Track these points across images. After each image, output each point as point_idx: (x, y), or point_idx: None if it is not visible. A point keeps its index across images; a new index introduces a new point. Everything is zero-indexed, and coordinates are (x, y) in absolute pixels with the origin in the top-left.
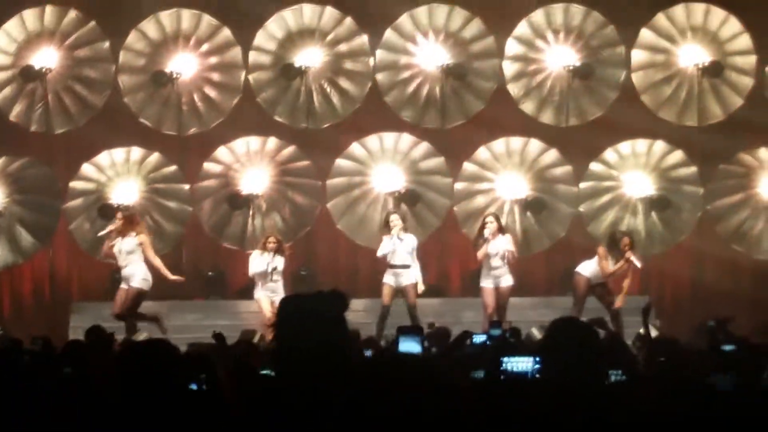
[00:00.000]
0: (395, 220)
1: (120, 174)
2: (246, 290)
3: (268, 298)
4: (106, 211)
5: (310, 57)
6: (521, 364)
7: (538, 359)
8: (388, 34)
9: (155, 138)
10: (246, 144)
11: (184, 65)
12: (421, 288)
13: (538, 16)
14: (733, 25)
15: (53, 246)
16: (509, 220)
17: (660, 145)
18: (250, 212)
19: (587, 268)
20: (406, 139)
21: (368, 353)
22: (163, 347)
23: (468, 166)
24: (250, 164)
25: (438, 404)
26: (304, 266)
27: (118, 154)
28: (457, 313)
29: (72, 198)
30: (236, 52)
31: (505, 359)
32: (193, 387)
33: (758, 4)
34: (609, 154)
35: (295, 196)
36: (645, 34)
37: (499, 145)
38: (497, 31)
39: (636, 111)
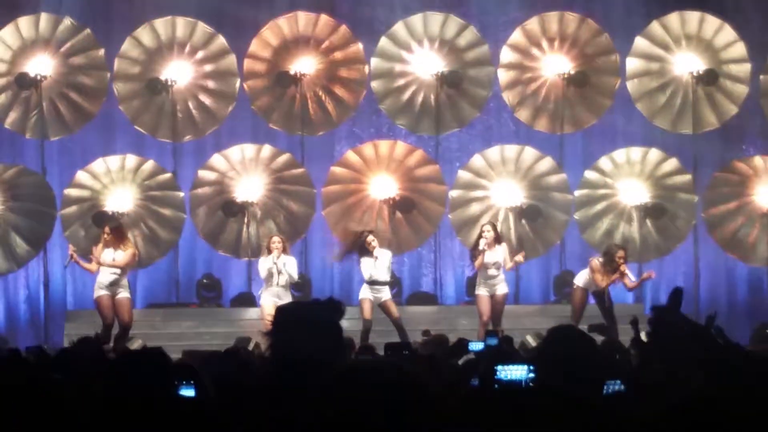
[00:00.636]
0: (373, 241)
1: (115, 181)
2: (241, 297)
3: (273, 303)
4: (101, 219)
5: (305, 65)
6: (515, 372)
7: (532, 367)
8: (383, 42)
9: (150, 145)
10: (241, 151)
11: (179, 73)
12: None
13: (532, 24)
14: (728, 33)
15: (48, 253)
16: (504, 228)
17: (655, 153)
18: (245, 220)
19: (581, 279)
20: (401, 146)
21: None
22: (157, 355)
23: (463, 174)
24: (245, 172)
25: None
26: (299, 274)
27: (113, 161)
28: (452, 320)
29: (67, 205)
30: (231, 59)
31: (499, 367)
32: (187, 393)
33: (753, 13)
34: (604, 161)
35: (290, 204)
36: (640, 43)
37: (493, 152)
38: (491, 39)
39: (631, 119)
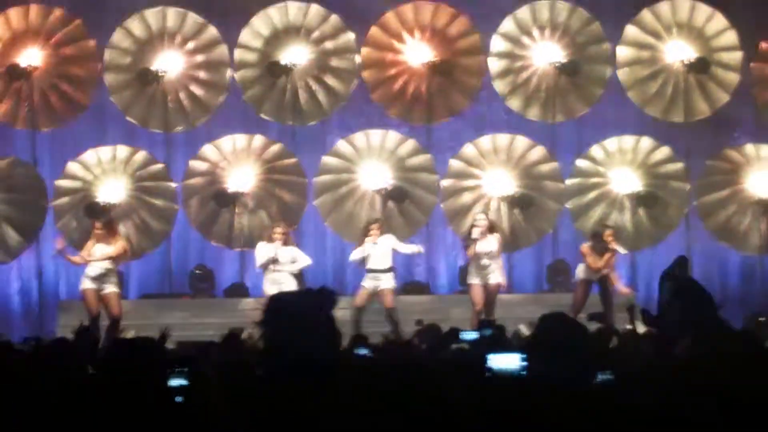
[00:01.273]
0: (375, 228)
1: (106, 172)
2: (234, 288)
3: (277, 291)
4: (93, 210)
5: (296, 54)
6: (507, 360)
7: (524, 356)
8: (374, 31)
9: (141, 136)
10: (232, 142)
11: (169, 63)
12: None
13: (523, 12)
14: (719, 21)
15: (40, 245)
16: (496, 217)
17: (646, 142)
18: (237, 210)
19: (582, 270)
20: (393, 136)
21: (363, 351)
22: (149, 344)
23: (454, 163)
24: (237, 162)
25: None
26: None
27: (104, 152)
28: (445, 310)
29: (58, 196)
30: (222, 50)
31: (490, 356)
32: (179, 383)
33: (744, 0)
34: (596, 150)
35: (282, 194)
36: (631, 31)
37: (485, 141)
38: (483, 27)
39: (622, 107)
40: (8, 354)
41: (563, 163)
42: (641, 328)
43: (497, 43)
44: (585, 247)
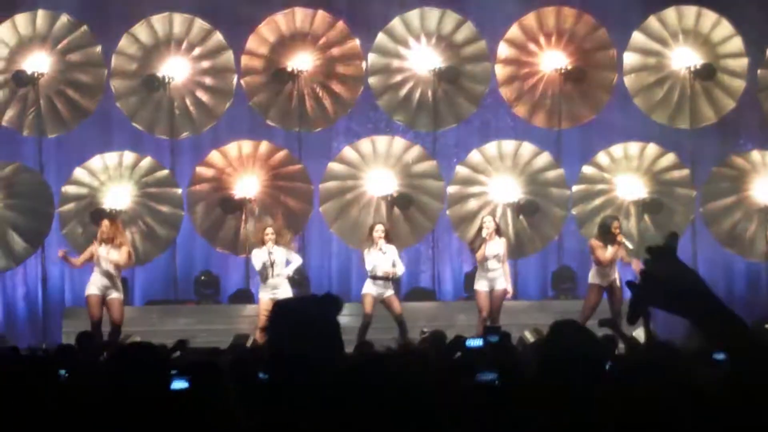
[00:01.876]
0: (380, 231)
1: (112, 178)
2: (239, 294)
3: (270, 298)
4: (99, 216)
5: (303, 61)
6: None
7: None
8: (380, 38)
9: (148, 142)
10: (238, 148)
11: (176, 69)
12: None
13: (530, 19)
14: (725, 27)
15: (46, 251)
16: (502, 224)
17: (652, 148)
18: (243, 216)
19: (593, 275)
20: (399, 142)
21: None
22: (152, 350)
23: (460, 170)
24: (243, 168)
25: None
26: (296, 271)
27: (110, 158)
28: (450, 316)
29: (64, 203)
30: (228, 56)
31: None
32: (181, 386)
33: (750, 7)
34: (601, 157)
35: (287, 200)
36: (637, 37)
37: (491, 148)
38: (489, 34)
39: (628, 114)
40: (14, 360)
41: (569, 169)
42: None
43: (503, 50)
44: (594, 241)
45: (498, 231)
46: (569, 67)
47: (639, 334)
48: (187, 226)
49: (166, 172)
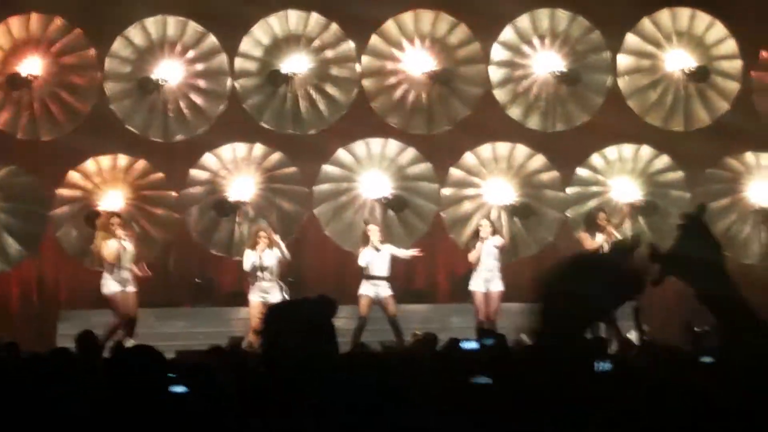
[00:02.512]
0: (374, 230)
1: (107, 181)
2: (234, 297)
3: (260, 301)
4: (93, 219)
5: (297, 63)
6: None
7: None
8: (374, 40)
9: (142, 145)
10: (232, 150)
11: (170, 72)
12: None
13: (523, 21)
14: (719, 29)
15: (40, 254)
16: (497, 226)
17: (646, 150)
18: (237, 219)
19: None
20: (393, 145)
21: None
22: (151, 353)
23: (454, 172)
24: (237, 171)
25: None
26: (292, 273)
27: (104, 161)
28: (444, 318)
29: (59, 205)
30: (222, 58)
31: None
32: (180, 390)
33: (744, 9)
34: (596, 159)
35: (282, 203)
36: (631, 39)
37: (485, 150)
38: (483, 36)
39: (622, 116)
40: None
41: (563, 172)
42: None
43: (497, 52)
44: (582, 233)
45: (494, 232)
46: (563, 70)
47: (633, 335)
48: (182, 229)
49: (160, 174)
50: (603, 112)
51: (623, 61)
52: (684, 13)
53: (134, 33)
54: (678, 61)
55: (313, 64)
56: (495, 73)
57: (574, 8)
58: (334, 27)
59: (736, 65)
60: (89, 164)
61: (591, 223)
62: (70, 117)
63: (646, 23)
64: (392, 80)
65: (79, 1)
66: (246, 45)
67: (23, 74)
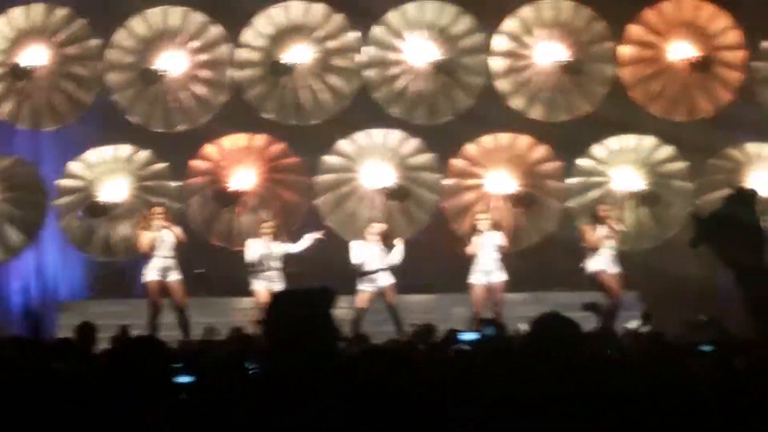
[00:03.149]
0: (377, 228)
1: (108, 171)
2: (234, 287)
3: (266, 289)
4: (95, 209)
5: (299, 54)
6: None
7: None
8: (377, 30)
9: (144, 135)
10: (234, 141)
11: (172, 62)
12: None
13: (526, 11)
14: (722, 20)
15: (41, 244)
16: (499, 216)
17: (649, 141)
18: (238, 209)
19: (597, 263)
20: (395, 135)
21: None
22: (153, 342)
23: (456, 162)
24: (238, 161)
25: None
26: (293, 263)
27: (106, 151)
28: (445, 309)
29: (60, 196)
30: (224, 49)
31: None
32: (184, 380)
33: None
34: (597, 149)
35: (283, 193)
36: (634, 30)
37: (487, 140)
38: (486, 26)
39: (625, 106)
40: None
41: (565, 162)
42: (644, 328)
43: (499, 42)
44: (583, 226)
45: (493, 224)
46: (566, 60)
47: (633, 325)
48: (183, 219)
49: (162, 165)
50: (605, 102)
51: (626, 51)
52: (687, 3)
53: (136, 23)
54: (681, 51)
55: (315, 55)
56: (497, 64)
57: None
58: (337, 17)
59: (739, 56)
60: (91, 154)
61: (591, 215)
62: (72, 107)
63: (649, 13)
64: (394, 70)
65: None
66: (248, 35)
67: (26, 65)
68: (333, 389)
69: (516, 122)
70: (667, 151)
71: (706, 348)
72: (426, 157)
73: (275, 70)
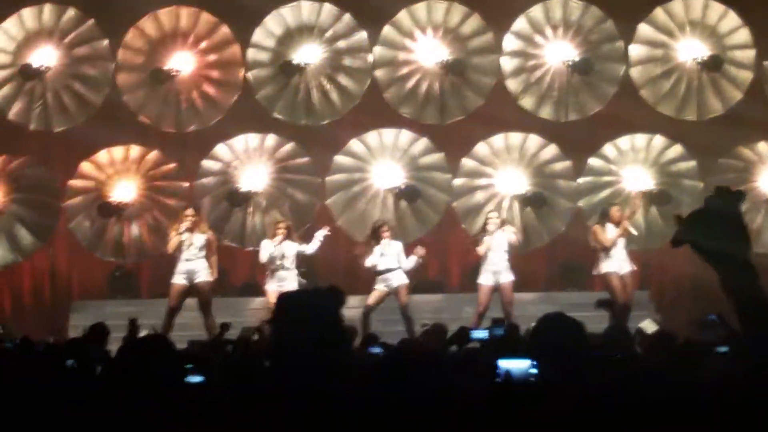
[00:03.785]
0: (386, 229)
1: (119, 172)
2: (247, 287)
3: (277, 291)
4: (106, 210)
5: (309, 54)
6: (518, 365)
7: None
8: (387, 30)
9: (154, 136)
10: (245, 141)
11: (182, 63)
12: None
13: (536, 11)
14: (732, 19)
15: (53, 245)
16: (509, 216)
17: (659, 140)
18: (250, 209)
19: (609, 265)
20: (406, 135)
21: (376, 350)
22: (162, 343)
23: (467, 162)
24: (249, 161)
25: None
26: (304, 263)
27: (117, 152)
28: (456, 309)
29: (71, 196)
30: (235, 49)
31: (502, 362)
32: (195, 380)
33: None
34: (608, 149)
35: (294, 193)
36: (643, 29)
37: (498, 140)
38: (496, 26)
39: (635, 106)
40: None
41: (576, 161)
42: (654, 327)
43: (510, 42)
44: (596, 226)
45: (503, 223)
46: (576, 59)
47: (646, 325)
48: None
49: (172, 165)
50: (616, 101)
51: (636, 50)
52: (697, 2)
53: (147, 24)
54: (691, 50)
55: (325, 55)
56: (507, 63)
57: None
58: (347, 17)
59: (750, 54)
60: (102, 155)
61: (603, 216)
62: (82, 108)
63: (659, 13)
64: (405, 70)
65: None
66: (259, 35)
67: (36, 65)
68: (342, 390)
69: (526, 122)
70: (677, 150)
71: (722, 349)
72: (437, 157)
73: (286, 70)
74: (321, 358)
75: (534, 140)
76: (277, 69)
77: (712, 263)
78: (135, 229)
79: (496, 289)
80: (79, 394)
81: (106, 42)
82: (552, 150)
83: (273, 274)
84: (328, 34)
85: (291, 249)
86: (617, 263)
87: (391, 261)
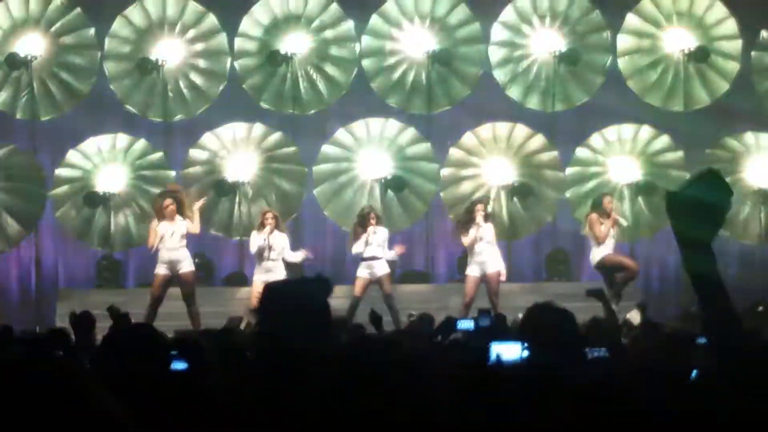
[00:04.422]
0: (372, 216)
1: (106, 161)
2: (233, 277)
3: (262, 281)
4: (93, 199)
5: (296, 43)
6: (509, 351)
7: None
8: (374, 20)
9: (141, 125)
10: (232, 130)
11: (169, 52)
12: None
13: (523, 1)
14: (719, 9)
15: (39, 233)
16: (496, 206)
17: (646, 130)
18: (237, 199)
19: (599, 253)
20: (393, 124)
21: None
22: (148, 331)
23: (454, 152)
24: (236, 151)
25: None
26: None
27: (104, 141)
28: (444, 299)
29: (58, 185)
30: (222, 38)
31: (493, 345)
32: (179, 367)
33: None
34: (595, 139)
35: (281, 183)
36: (631, 19)
37: (485, 130)
38: (483, 16)
39: (622, 96)
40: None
41: (563, 152)
42: (638, 318)
43: (497, 32)
44: (594, 215)
45: (487, 216)
46: (563, 50)
47: (633, 316)
48: None
49: (159, 154)
50: (602, 92)
51: (623, 41)
52: None
53: (134, 13)
54: (678, 41)
55: (312, 44)
56: (495, 53)
57: None
58: (334, 7)
59: (736, 45)
60: (88, 144)
61: (596, 207)
62: (69, 97)
63: (646, 3)
64: (392, 60)
65: None
66: (246, 25)
67: (22, 54)
68: (327, 379)
69: (513, 112)
70: (664, 141)
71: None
72: (423, 147)
73: (273, 60)
74: (307, 347)
75: (521, 130)
76: (265, 58)
77: (680, 243)
78: (122, 218)
79: (483, 280)
80: (66, 383)
81: (92, 31)
82: (539, 140)
83: (260, 265)
84: (315, 23)
85: (279, 242)
86: (610, 250)
87: (377, 249)
